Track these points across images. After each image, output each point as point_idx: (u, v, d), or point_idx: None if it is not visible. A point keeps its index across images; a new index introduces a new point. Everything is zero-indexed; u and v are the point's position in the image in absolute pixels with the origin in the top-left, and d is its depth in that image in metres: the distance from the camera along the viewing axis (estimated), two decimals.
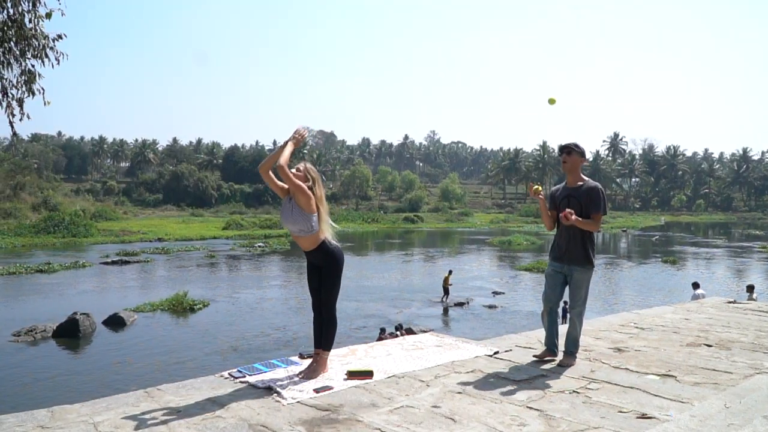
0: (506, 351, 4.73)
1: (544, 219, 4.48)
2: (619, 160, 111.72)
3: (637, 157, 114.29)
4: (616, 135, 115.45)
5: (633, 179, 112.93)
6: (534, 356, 4.44)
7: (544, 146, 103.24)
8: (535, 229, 62.47)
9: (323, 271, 4.04)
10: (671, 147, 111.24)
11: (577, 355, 4.37)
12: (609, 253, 43.51)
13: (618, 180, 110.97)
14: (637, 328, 5.82)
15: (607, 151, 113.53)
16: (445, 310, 19.90)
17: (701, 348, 4.99)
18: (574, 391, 3.67)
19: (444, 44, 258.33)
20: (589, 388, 3.74)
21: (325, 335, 4.04)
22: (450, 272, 21.57)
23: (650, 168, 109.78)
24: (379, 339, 13.35)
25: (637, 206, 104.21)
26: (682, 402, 3.49)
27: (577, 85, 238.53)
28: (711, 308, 7.34)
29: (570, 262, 4.27)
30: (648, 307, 9.37)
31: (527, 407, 3.38)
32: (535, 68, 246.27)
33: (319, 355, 4.06)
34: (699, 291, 12.81)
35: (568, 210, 4.12)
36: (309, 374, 3.95)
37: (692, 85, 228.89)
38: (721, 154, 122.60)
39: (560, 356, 4.41)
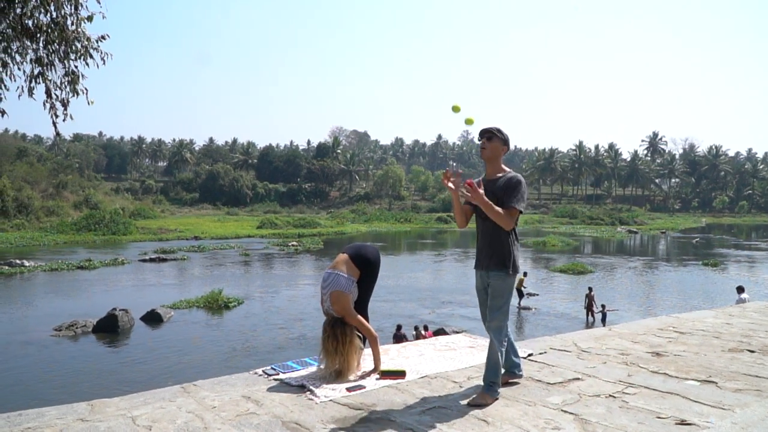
0: (540, 353, 4.66)
1: (455, 214, 3.72)
2: (659, 161, 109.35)
3: (677, 157, 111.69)
4: (655, 135, 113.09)
5: (673, 180, 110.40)
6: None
7: (580, 146, 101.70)
8: (571, 229, 61.63)
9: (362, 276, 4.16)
10: (713, 147, 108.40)
11: (611, 359, 4.24)
12: (647, 255, 42.63)
13: (657, 180, 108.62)
14: (676, 332, 5.68)
15: (645, 151, 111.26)
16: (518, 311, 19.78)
17: (743, 353, 4.84)
18: (610, 396, 3.60)
19: (478, 44, 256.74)
20: (626, 393, 3.66)
21: (373, 349, 4.10)
22: (525, 274, 21.27)
23: (691, 168, 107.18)
24: (396, 335, 13.34)
25: (677, 207, 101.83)
26: (723, 409, 3.39)
27: (615, 83, 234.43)
28: (754, 313, 7.11)
29: (487, 266, 3.58)
30: (687, 310, 9.15)
31: (562, 410, 3.33)
32: (571, 66, 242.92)
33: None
34: (743, 295, 12.46)
35: (469, 180, 3.42)
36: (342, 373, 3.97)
37: (736, 84, 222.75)
38: (766, 154, 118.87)
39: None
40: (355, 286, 4.08)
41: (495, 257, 3.54)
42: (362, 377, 3.92)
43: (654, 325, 6.12)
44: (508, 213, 3.44)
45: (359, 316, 4.01)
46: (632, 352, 4.80)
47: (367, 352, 4.40)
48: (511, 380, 3.79)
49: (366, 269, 4.17)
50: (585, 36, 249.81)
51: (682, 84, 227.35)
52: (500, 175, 3.59)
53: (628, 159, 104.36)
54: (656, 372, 4.17)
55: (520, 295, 20.29)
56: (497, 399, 3.45)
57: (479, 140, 3.65)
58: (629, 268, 32.14)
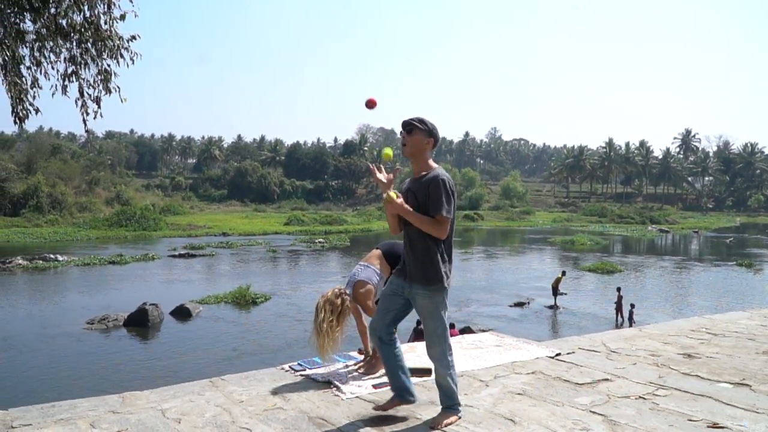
0: (568, 353, 4.61)
1: (387, 216, 3.19)
2: (692, 158, 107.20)
3: (710, 155, 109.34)
4: (688, 132, 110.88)
5: (706, 178, 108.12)
6: (375, 407, 3.22)
7: (610, 143, 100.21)
8: (600, 228, 60.83)
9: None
10: (748, 144, 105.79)
11: (641, 360, 4.15)
12: (679, 254, 41.85)
13: (690, 179, 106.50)
14: (709, 333, 5.56)
15: (678, 149, 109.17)
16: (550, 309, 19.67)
17: None
18: (640, 397, 3.54)
19: (506, 41, 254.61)
20: (657, 395, 3.60)
21: None
22: (563, 273, 21.13)
23: (725, 166, 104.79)
24: (416, 329, 13.29)
25: (710, 206, 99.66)
26: (758, 413, 3.30)
27: (646, 79, 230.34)
28: None
29: (412, 279, 3.09)
30: (720, 311, 8.96)
31: (590, 411, 3.28)
32: (601, 63, 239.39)
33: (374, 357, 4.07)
34: None
35: (393, 191, 3.03)
36: (368, 369, 3.98)
37: None
38: None
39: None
40: (383, 284, 4.08)
41: (417, 269, 3.06)
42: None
43: (685, 326, 6.00)
44: (435, 221, 3.00)
45: (362, 318, 3.99)
46: (663, 353, 4.72)
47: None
48: (398, 406, 3.19)
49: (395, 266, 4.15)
50: (616, 32, 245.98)
51: (716, 80, 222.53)
52: (425, 173, 3.12)
53: (660, 157, 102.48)
54: (688, 374, 4.09)
55: (555, 293, 20.06)
56: (459, 417, 3.10)
57: (401, 134, 3.20)
58: (660, 268, 31.59)
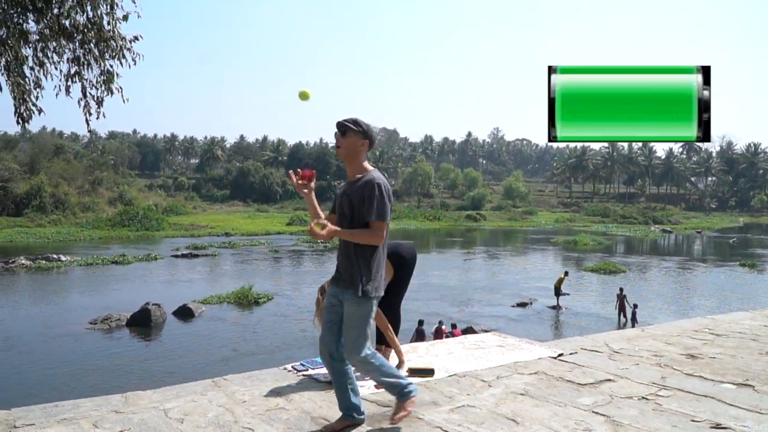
0: (571, 353, 4.60)
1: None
2: (695, 158, 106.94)
3: (714, 154, 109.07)
4: None
5: (709, 178, 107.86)
6: (324, 429, 3.02)
7: (613, 144, 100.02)
8: (602, 229, 60.76)
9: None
10: (752, 144, 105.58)
11: (643, 361, 4.14)
12: (682, 255, 41.79)
13: (693, 179, 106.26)
14: (712, 334, 5.55)
15: (681, 149, 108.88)
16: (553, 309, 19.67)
17: None
18: (643, 398, 3.54)
19: (508, 41, 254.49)
20: (660, 395, 3.59)
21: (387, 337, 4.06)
22: (566, 273, 21.14)
23: (728, 166, 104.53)
24: (417, 330, 13.32)
25: (714, 207, 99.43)
26: (761, 413, 3.30)
27: None
28: None
29: (343, 285, 2.97)
30: (723, 312, 8.94)
31: (593, 412, 3.28)
32: (603, 62, 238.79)
33: (382, 351, 4.08)
34: None
35: (315, 222, 2.83)
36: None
37: None
38: None
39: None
40: (385, 284, 4.07)
41: (347, 274, 2.95)
42: (401, 364, 3.92)
43: (688, 326, 5.99)
44: (371, 230, 2.89)
45: (379, 310, 3.97)
46: (666, 353, 4.71)
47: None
48: (347, 427, 3.02)
49: (400, 267, 4.14)
50: (618, 31, 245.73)
51: (719, 79, 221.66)
52: (360, 176, 2.99)
53: (663, 157, 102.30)
54: (691, 374, 4.08)
55: (558, 294, 20.04)
56: (414, 397, 3.02)
57: (334, 135, 3.07)
58: (663, 269, 31.55)
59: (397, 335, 4.09)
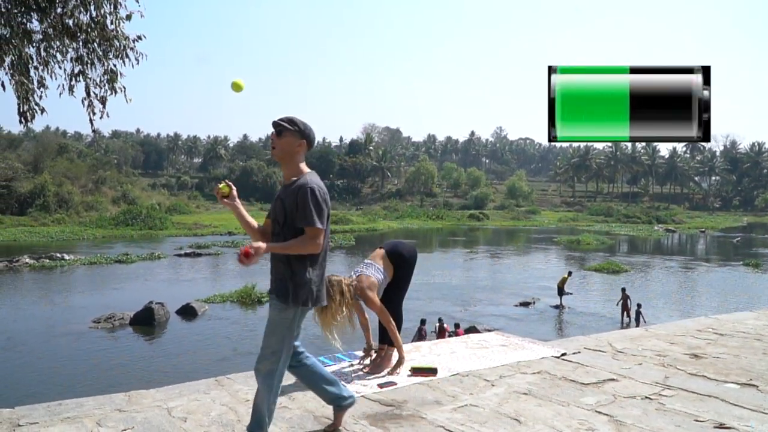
0: (574, 353, 4.60)
1: (248, 232, 3.01)
2: (698, 158, 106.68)
3: (717, 154, 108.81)
4: None
5: (713, 178, 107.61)
6: (327, 429, 3.06)
7: (616, 143, 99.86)
8: (606, 228, 60.66)
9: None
10: (756, 143, 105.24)
11: (647, 361, 4.14)
12: (685, 254, 41.70)
13: (696, 178, 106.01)
14: (715, 333, 5.54)
15: (684, 148, 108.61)
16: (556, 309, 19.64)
17: None
18: (646, 398, 3.53)
19: (511, 40, 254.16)
20: (663, 395, 3.58)
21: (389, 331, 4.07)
22: (569, 273, 21.10)
23: (732, 166, 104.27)
24: (420, 328, 13.31)
25: (717, 206, 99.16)
26: (765, 413, 3.29)
27: None
28: None
29: (272, 290, 2.86)
30: (727, 311, 8.92)
31: (596, 411, 3.28)
32: (607, 61, 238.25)
33: (384, 350, 4.08)
34: None
35: (245, 248, 2.60)
36: (374, 369, 4.00)
37: None
38: None
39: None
40: (385, 283, 4.10)
41: (277, 281, 2.81)
42: (393, 373, 3.92)
43: (692, 326, 5.98)
44: (305, 239, 2.73)
45: (381, 306, 3.98)
46: (669, 353, 4.70)
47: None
48: (345, 414, 3.07)
49: (400, 266, 4.17)
50: (621, 31, 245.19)
51: (722, 78, 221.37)
52: (295, 179, 2.84)
53: (667, 156, 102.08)
54: (694, 374, 4.07)
55: (561, 293, 20.01)
56: None
57: (270, 135, 2.93)
58: (666, 268, 31.48)
59: (391, 336, 4.08)
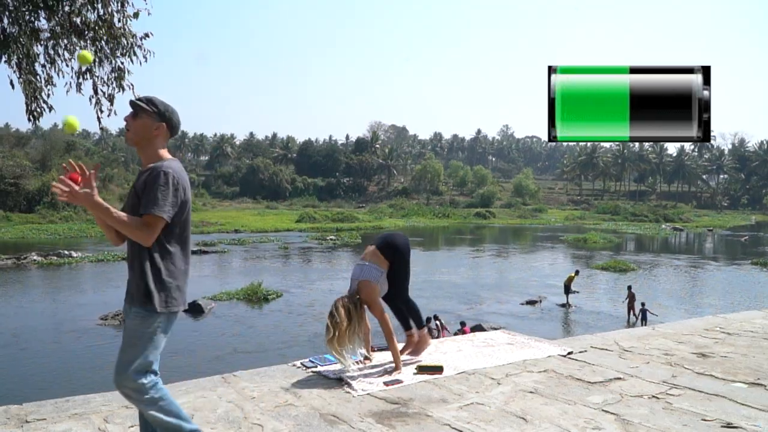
0: (581, 351, 4.59)
1: (101, 228, 2.60)
2: (706, 156, 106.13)
3: (726, 152, 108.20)
4: None
5: (721, 176, 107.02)
6: None
7: (623, 141, 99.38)
8: (613, 226, 60.44)
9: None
10: (764, 142, 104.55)
11: (654, 360, 4.12)
12: (693, 253, 41.51)
13: (704, 177, 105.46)
14: (723, 332, 5.51)
15: (692, 146, 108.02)
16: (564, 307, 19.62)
17: None
18: (653, 397, 3.52)
19: (518, 38, 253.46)
20: (670, 394, 3.57)
21: (413, 316, 4.27)
22: (576, 272, 21.05)
23: (740, 164, 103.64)
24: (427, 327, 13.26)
25: (725, 204, 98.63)
26: None
27: None
28: None
29: (130, 299, 2.47)
30: (735, 311, 8.88)
31: (603, 410, 3.27)
32: (613, 60, 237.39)
33: (416, 333, 4.27)
34: None
35: (71, 173, 2.35)
36: (414, 353, 4.23)
37: None
38: None
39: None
40: (384, 279, 4.09)
41: (135, 287, 2.44)
42: (397, 371, 3.92)
43: (699, 325, 5.95)
44: (141, 223, 2.36)
45: (384, 312, 4.01)
46: (676, 352, 4.68)
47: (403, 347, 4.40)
48: None
49: (395, 257, 4.17)
50: (629, 28, 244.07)
51: (731, 76, 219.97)
52: (152, 166, 2.47)
53: (674, 154, 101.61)
54: (702, 373, 4.05)
55: (568, 292, 19.95)
56: None
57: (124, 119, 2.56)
58: (674, 267, 31.35)
59: (420, 321, 4.28)
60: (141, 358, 2.38)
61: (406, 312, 4.27)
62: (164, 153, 2.53)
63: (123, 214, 2.37)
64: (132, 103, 2.51)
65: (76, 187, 2.30)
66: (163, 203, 2.36)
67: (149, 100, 2.52)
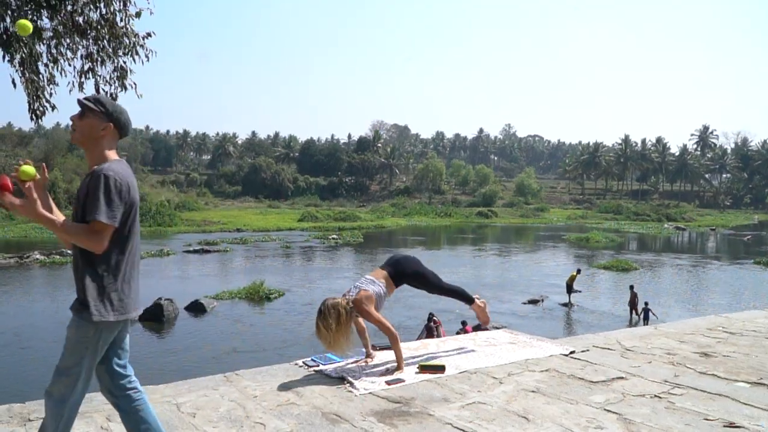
0: (583, 351, 4.58)
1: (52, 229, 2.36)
2: (709, 155, 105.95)
3: (728, 151, 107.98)
4: (705, 128, 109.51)
5: (724, 175, 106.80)
6: None
7: (626, 140, 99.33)
8: (615, 226, 60.38)
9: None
10: (767, 141, 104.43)
11: (656, 359, 4.12)
12: (695, 252, 41.44)
13: (707, 176, 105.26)
14: (725, 332, 5.50)
15: (695, 146, 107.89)
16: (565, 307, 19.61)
17: None
18: (655, 396, 3.51)
19: (521, 38, 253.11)
20: (673, 394, 3.56)
21: (457, 297, 4.62)
22: (578, 271, 21.04)
23: (743, 163, 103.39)
24: (427, 326, 13.23)
25: (728, 204, 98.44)
26: None
27: (663, 75, 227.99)
28: None
29: (72, 305, 2.45)
30: (738, 310, 8.86)
31: (605, 410, 3.26)
32: (617, 59, 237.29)
33: (472, 307, 4.61)
34: None
35: (4, 180, 2.21)
36: (484, 317, 4.64)
37: None
38: None
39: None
40: (385, 297, 4.10)
41: (77, 295, 2.41)
42: (399, 370, 3.91)
43: (702, 324, 5.94)
44: (88, 231, 2.27)
45: (381, 317, 3.97)
46: (679, 352, 4.67)
47: (405, 346, 4.40)
48: None
49: (409, 282, 4.30)
50: (633, 28, 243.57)
51: (734, 76, 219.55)
52: (96, 168, 2.36)
53: (677, 153, 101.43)
54: (704, 373, 4.05)
55: (570, 291, 19.93)
56: None
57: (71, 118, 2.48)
58: (676, 266, 31.31)
59: (467, 296, 4.55)
60: (74, 369, 2.34)
61: (454, 296, 4.58)
62: (111, 154, 2.43)
63: (70, 224, 2.30)
64: (79, 102, 2.43)
65: (12, 198, 2.18)
66: (109, 209, 2.27)
67: (96, 100, 2.44)
